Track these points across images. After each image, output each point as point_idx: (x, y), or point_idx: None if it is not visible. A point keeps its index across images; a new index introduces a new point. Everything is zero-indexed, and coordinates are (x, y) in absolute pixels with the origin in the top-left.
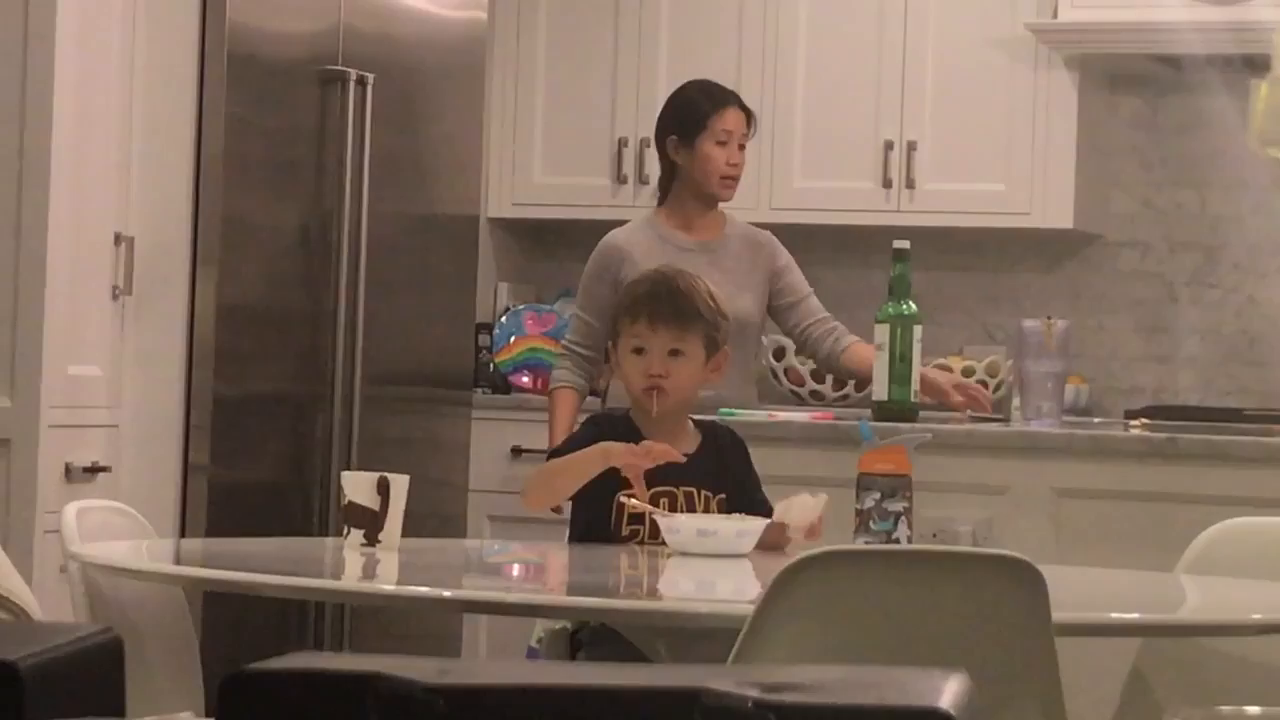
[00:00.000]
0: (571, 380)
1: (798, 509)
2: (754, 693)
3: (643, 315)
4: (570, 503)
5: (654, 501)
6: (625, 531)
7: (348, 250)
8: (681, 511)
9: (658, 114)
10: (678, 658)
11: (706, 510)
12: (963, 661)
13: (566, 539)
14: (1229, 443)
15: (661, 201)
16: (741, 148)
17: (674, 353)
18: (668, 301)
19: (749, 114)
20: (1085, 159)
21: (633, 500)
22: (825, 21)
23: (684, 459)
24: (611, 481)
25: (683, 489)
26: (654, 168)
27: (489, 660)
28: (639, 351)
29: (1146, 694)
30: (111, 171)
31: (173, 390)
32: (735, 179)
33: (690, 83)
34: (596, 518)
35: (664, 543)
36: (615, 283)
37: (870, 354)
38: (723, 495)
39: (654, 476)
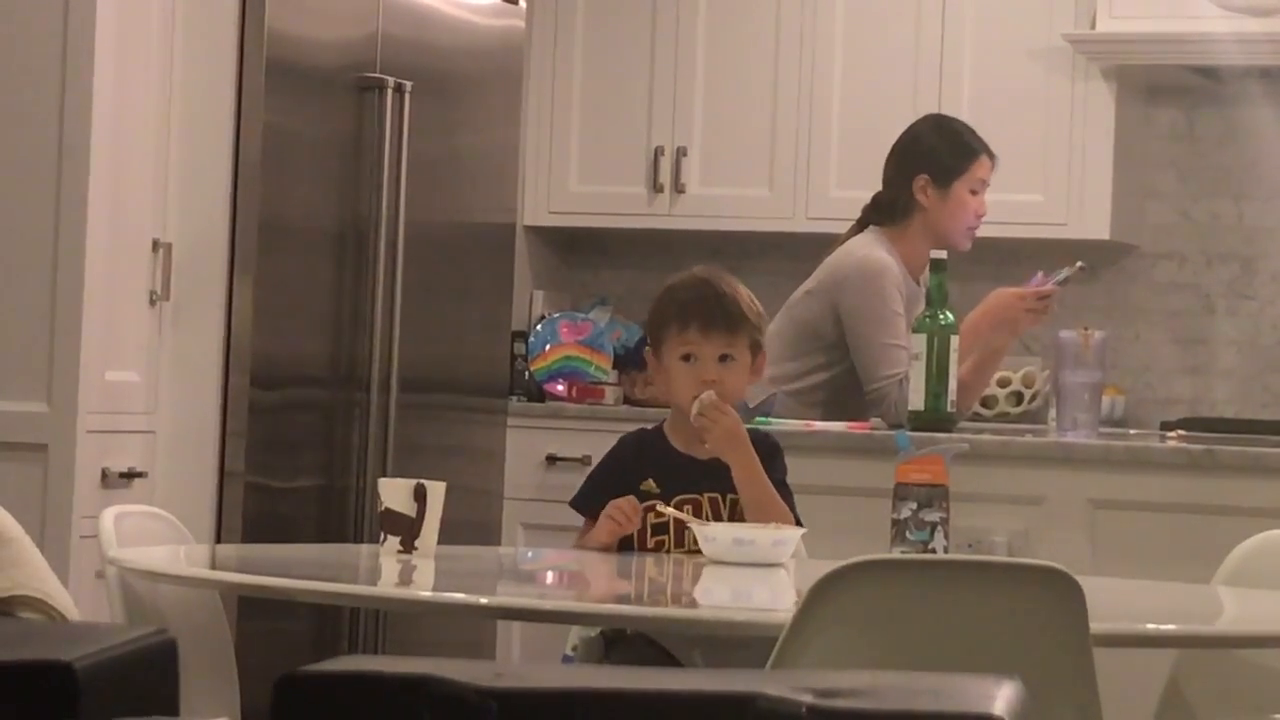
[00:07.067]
0: None
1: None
2: (808, 698)
3: (693, 322)
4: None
5: (678, 509)
6: (650, 544)
7: (384, 257)
8: (706, 518)
9: (902, 146)
10: (713, 666)
11: (731, 514)
12: (1000, 672)
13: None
14: (1266, 454)
15: (879, 223)
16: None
17: (724, 358)
18: (717, 307)
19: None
20: (1122, 170)
21: (667, 509)
22: (862, 33)
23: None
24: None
25: (707, 495)
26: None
27: (541, 665)
28: (687, 359)
29: (1182, 705)
30: (149, 178)
31: (209, 396)
32: (976, 231)
33: (942, 119)
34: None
35: (689, 552)
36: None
37: None
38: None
39: (679, 484)
